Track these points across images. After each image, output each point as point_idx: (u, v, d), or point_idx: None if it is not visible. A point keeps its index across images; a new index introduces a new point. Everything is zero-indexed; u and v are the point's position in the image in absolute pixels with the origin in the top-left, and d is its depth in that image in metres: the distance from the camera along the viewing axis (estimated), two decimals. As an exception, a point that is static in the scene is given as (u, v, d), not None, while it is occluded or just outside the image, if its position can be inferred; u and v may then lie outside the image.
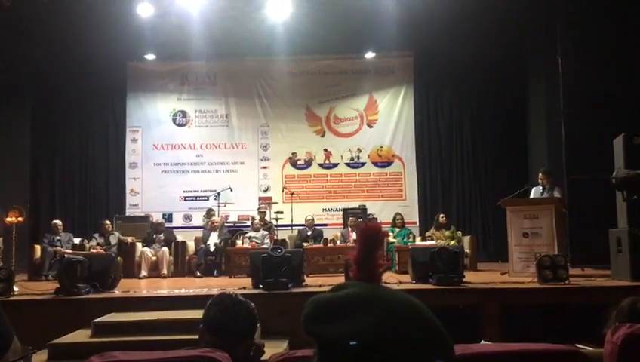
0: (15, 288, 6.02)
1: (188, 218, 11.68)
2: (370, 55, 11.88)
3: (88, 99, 11.56)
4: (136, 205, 11.70)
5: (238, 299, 2.00)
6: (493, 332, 5.22)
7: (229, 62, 11.93)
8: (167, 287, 7.16)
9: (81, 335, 4.99)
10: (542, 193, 7.62)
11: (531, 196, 7.67)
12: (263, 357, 2.09)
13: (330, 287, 0.90)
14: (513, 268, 7.01)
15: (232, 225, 10.72)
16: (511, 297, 5.77)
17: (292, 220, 10.41)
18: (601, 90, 8.05)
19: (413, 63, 11.86)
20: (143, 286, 7.45)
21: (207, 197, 11.39)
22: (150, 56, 11.71)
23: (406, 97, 11.96)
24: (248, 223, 10.41)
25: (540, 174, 7.83)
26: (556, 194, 7.49)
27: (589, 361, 1.77)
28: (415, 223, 11.25)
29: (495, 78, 11.07)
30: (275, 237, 9.75)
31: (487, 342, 2.63)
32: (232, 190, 11.06)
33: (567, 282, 5.92)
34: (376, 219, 10.43)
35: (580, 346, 2.43)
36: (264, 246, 8.80)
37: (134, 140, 11.93)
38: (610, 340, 1.76)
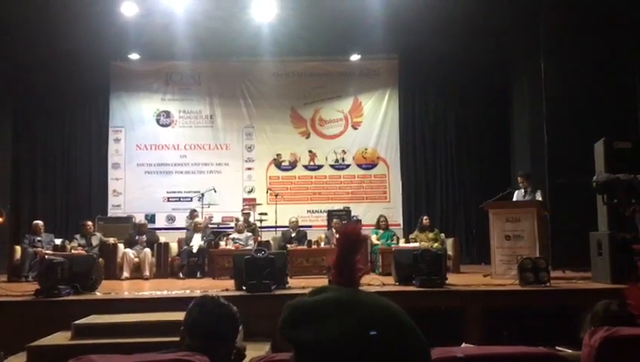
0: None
1: (171, 219, 11.60)
2: (355, 57, 11.91)
3: (71, 98, 11.43)
4: (118, 206, 11.60)
5: (221, 301, 1.99)
6: (475, 335, 5.25)
7: (214, 63, 11.88)
8: (149, 289, 7.10)
9: (60, 338, 4.93)
10: (524, 196, 7.70)
11: (514, 199, 7.76)
12: (244, 361, 2.08)
13: (309, 291, 0.90)
14: (495, 271, 7.08)
15: (215, 226, 10.68)
16: (493, 299, 5.81)
17: (276, 222, 10.39)
18: (583, 94, 8.16)
19: (399, 66, 11.92)
20: (125, 288, 7.38)
21: (191, 199, 11.33)
22: (134, 56, 11.62)
23: (391, 100, 12.01)
24: (232, 225, 10.37)
25: (519, 178, 7.93)
26: (538, 197, 7.57)
27: (568, 364, 1.79)
28: (399, 225, 11.29)
29: (479, 82, 11.16)
30: (259, 238, 9.73)
31: (468, 345, 2.65)
32: (215, 191, 11.02)
33: (548, 284, 5.98)
34: (360, 221, 10.46)
35: (559, 349, 2.46)
36: (248, 247, 8.77)
37: (117, 140, 11.83)
38: (588, 343, 1.78)
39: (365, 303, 0.84)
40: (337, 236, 1.04)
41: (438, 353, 1.64)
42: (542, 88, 8.71)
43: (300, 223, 10.34)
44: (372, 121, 12.02)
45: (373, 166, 11.96)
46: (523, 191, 7.76)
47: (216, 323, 1.92)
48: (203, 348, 1.75)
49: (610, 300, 2.10)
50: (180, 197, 11.67)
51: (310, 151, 12.00)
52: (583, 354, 1.82)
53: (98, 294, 6.27)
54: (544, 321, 5.25)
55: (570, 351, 2.41)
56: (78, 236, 9.16)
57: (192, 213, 10.34)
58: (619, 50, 8.11)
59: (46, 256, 6.70)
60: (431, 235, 9.38)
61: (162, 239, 9.54)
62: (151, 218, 11.32)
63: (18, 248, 8.77)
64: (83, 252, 8.41)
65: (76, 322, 5.02)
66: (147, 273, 8.77)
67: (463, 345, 2.69)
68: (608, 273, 6.05)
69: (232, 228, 10.14)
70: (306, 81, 12.03)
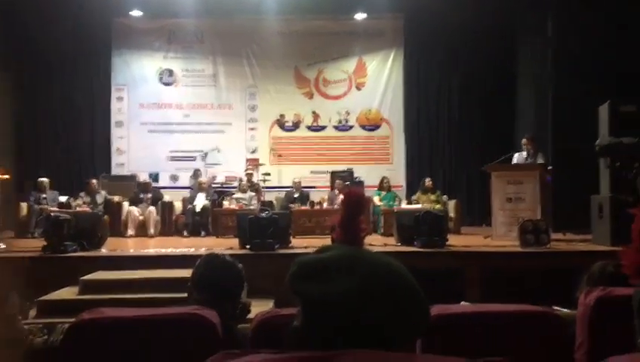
0: (1, 244, 6.04)
1: (174, 178, 11.65)
2: (360, 16, 11.72)
3: (73, 55, 11.33)
4: (122, 164, 11.64)
5: (226, 259, 2.04)
6: (474, 295, 5.35)
7: (218, 21, 11.71)
8: (154, 246, 7.21)
9: (68, 293, 5.05)
10: (526, 159, 7.70)
11: (514, 162, 7.75)
12: (249, 316, 2.14)
13: (316, 249, 0.94)
14: (496, 232, 7.14)
15: (219, 185, 10.73)
16: (492, 260, 5.91)
17: (279, 182, 10.45)
18: (590, 57, 8.06)
19: (404, 26, 11.74)
20: (130, 246, 7.50)
21: (194, 158, 11.36)
22: (136, 13, 11.45)
23: (395, 60, 11.88)
24: (235, 184, 10.42)
25: (524, 140, 7.90)
26: (540, 160, 7.57)
27: (563, 322, 1.85)
28: (401, 187, 11.32)
29: (485, 43, 11.00)
30: (262, 198, 9.80)
31: (466, 304, 2.72)
32: (219, 151, 11.05)
33: (548, 246, 6.06)
34: (363, 182, 10.51)
35: (556, 308, 2.52)
36: (251, 207, 8.85)
37: (120, 99, 11.78)
38: (583, 302, 1.83)
39: (369, 260, 0.88)
40: (342, 197, 1.08)
41: (437, 310, 1.70)
42: (548, 50, 8.61)
43: (303, 184, 10.39)
44: (376, 82, 11.93)
45: (376, 127, 11.93)
46: (525, 153, 7.75)
47: (222, 279, 1.98)
48: (210, 303, 1.81)
49: (607, 261, 2.15)
50: (183, 157, 11.69)
51: (314, 112, 11.95)
52: (579, 313, 1.87)
53: (104, 251, 6.38)
54: (543, 282, 5.34)
55: (566, 310, 2.47)
56: (82, 194, 9.23)
57: (196, 173, 10.39)
58: (627, 12, 7.97)
59: (52, 213, 6.78)
60: (433, 197, 9.43)
61: (166, 198, 9.62)
62: (155, 177, 11.37)
63: (24, 205, 8.86)
64: (88, 209, 8.50)
65: (83, 278, 5.13)
66: (152, 231, 8.88)
67: (462, 303, 2.75)
68: (608, 235, 6.11)
69: (235, 187, 10.20)
70: (310, 40, 11.88)
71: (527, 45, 10.18)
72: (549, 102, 8.56)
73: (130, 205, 9.17)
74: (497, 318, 1.82)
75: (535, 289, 5.20)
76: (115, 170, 11.45)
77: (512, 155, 7.89)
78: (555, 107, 8.45)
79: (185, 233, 8.87)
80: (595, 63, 7.99)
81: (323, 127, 11.94)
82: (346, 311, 0.82)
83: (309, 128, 11.94)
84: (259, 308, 2.44)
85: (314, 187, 11.10)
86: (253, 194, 9.63)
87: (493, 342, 1.75)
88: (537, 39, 9.36)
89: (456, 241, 6.75)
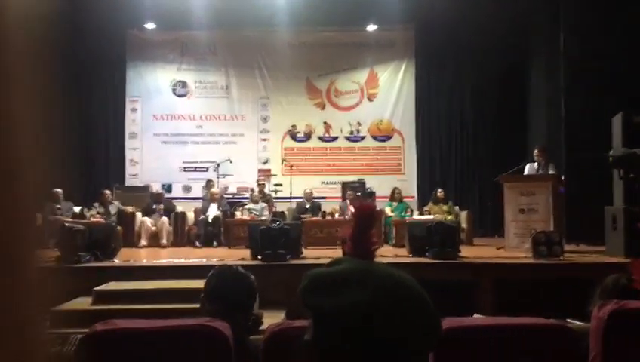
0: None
1: (187, 189, 11.72)
2: (371, 28, 11.78)
3: (87, 67, 11.46)
4: (135, 175, 11.74)
5: (239, 271, 2.05)
6: (487, 307, 5.32)
7: (230, 33, 11.82)
8: (166, 257, 7.23)
9: (82, 303, 5.07)
10: (537, 170, 7.66)
11: (525, 173, 7.70)
12: (261, 327, 2.15)
13: (327, 262, 0.95)
14: (509, 244, 7.09)
15: (231, 196, 10.77)
16: (505, 272, 5.86)
17: (291, 193, 10.47)
18: (602, 67, 8.01)
19: (415, 37, 11.78)
20: (143, 256, 7.54)
21: (207, 169, 11.44)
22: (150, 25, 11.60)
23: (407, 71, 11.91)
24: (247, 195, 10.46)
25: (536, 150, 7.85)
26: (551, 170, 7.53)
27: (576, 335, 1.83)
28: (413, 197, 11.30)
29: (496, 54, 11.00)
30: (274, 209, 9.81)
31: (479, 316, 2.70)
32: (231, 162, 11.10)
33: (561, 258, 6.00)
34: (374, 192, 10.50)
35: (570, 321, 2.50)
36: (263, 218, 8.86)
37: (134, 110, 11.91)
38: (597, 316, 1.82)
39: (380, 274, 0.88)
40: (353, 210, 1.09)
41: (449, 323, 1.69)
42: (560, 61, 8.58)
43: (315, 194, 10.40)
44: (388, 93, 11.95)
45: (388, 138, 11.94)
46: (536, 164, 7.71)
47: (234, 291, 1.99)
48: (222, 315, 1.82)
49: (620, 274, 2.13)
50: (195, 168, 11.77)
51: (325, 123, 11.99)
52: (592, 326, 1.86)
53: (117, 261, 6.41)
54: (556, 294, 5.29)
55: (580, 323, 2.45)
56: (96, 204, 9.30)
57: (208, 183, 10.43)
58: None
59: (66, 224, 6.83)
60: (445, 208, 9.39)
61: (179, 208, 9.67)
62: (167, 187, 11.45)
63: (38, 216, 8.93)
64: (102, 220, 8.56)
65: (97, 288, 5.16)
66: (164, 241, 8.92)
67: (475, 316, 2.74)
68: (622, 247, 6.05)
69: (247, 198, 10.23)
70: (321, 51, 11.95)
71: (539, 56, 10.16)
72: (561, 112, 8.51)
73: (143, 216, 9.22)
74: (510, 331, 1.81)
75: (548, 301, 5.16)
76: (129, 181, 11.54)
77: (524, 166, 7.85)
78: (567, 118, 8.41)
79: (197, 243, 8.90)
80: (607, 74, 7.94)
81: (334, 138, 11.96)
82: (357, 325, 0.83)
83: (321, 139, 11.98)
84: (270, 319, 2.44)
85: (325, 198, 11.10)
86: (265, 204, 9.65)
87: (506, 355, 1.74)
88: (549, 49, 9.34)
89: (468, 253, 6.70)
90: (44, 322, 0.64)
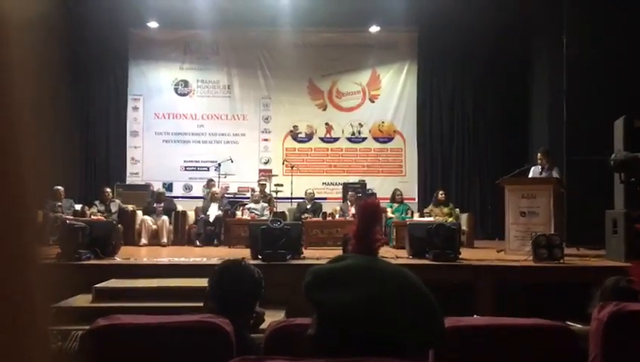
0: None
1: (188, 188, 11.73)
2: (374, 29, 11.78)
3: (90, 65, 11.47)
4: (136, 173, 11.75)
5: (244, 267, 2.05)
6: (486, 309, 5.32)
7: (233, 32, 11.82)
8: (167, 255, 7.25)
9: (82, 300, 5.09)
10: (540, 173, 7.66)
11: (530, 176, 7.72)
12: (263, 325, 2.16)
13: (330, 259, 0.96)
14: (509, 246, 7.09)
15: (231, 196, 10.78)
16: (505, 274, 5.86)
17: (292, 193, 10.47)
18: (604, 71, 8.03)
19: (417, 39, 11.78)
20: (144, 254, 7.55)
21: (208, 168, 11.45)
22: (153, 24, 11.61)
23: (409, 73, 11.91)
24: (248, 195, 10.47)
25: (539, 154, 7.85)
26: (555, 174, 7.52)
27: (576, 337, 1.84)
28: (414, 199, 11.30)
29: (498, 57, 11.00)
30: (275, 209, 9.82)
31: (478, 317, 2.71)
32: (232, 161, 11.11)
33: (561, 261, 6.01)
34: (375, 194, 10.50)
35: (570, 323, 2.51)
36: (263, 218, 8.87)
37: (136, 108, 11.91)
38: (597, 317, 1.83)
39: (384, 269, 0.89)
40: (356, 208, 1.09)
41: (449, 322, 1.70)
42: (562, 64, 8.58)
43: (316, 195, 10.40)
44: (390, 95, 11.95)
45: (389, 139, 11.94)
46: (540, 168, 7.71)
47: (237, 290, 1.99)
48: (224, 311, 1.83)
49: (620, 276, 2.14)
50: (196, 167, 11.78)
51: (327, 124, 11.99)
52: (592, 328, 1.86)
53: (118, 259, 6.43)
54: (556, 297, 5.30)
55: (579, 325, 2.45)
56: (97, 202, 9.32)
57: (209, 183, 10.44)
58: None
59: (67, 221, 6.85)
60: (446, 210, 9.38)
61: (179, 207, 9.68)
62: (168, 186, 11.45)
63: (39, 213, 8.94)
64: (102, 218, 8.57)
65: (97, 285, 5.17)
66: (165, 240, 8.94)
67: (474, 317, 2.74)
68: (622, 251, 6.06)
69: (248, 198, 10.24)
70: (323, 52, 11.96)
71: (542, 59, 10.16)
72: (563, 116, 8.51)
73: (143, 214, 9.24)
74: (510, 331, 1.82)
75: (548, 304, 5.16)
76: (130, 179, 11.55)
77: (529, 168, 7.85)
78: (568, 121, 8.41)
79: (197, 243, 8.91)
80: (609, 77, 7.95)
81: (336, 139, 11.97)
82: (360, 319, 0.83)
83: (322, 140, 11.98)
84: (270, 318, 2.45)
85: (326, 199, 11.12)
86: (266, 204, 9.65)
87: (505, 355, 1.75)
88: (551, 52, 9.34)
89: (468, 255, 6.71)
90: (46, 318, 0.64)
